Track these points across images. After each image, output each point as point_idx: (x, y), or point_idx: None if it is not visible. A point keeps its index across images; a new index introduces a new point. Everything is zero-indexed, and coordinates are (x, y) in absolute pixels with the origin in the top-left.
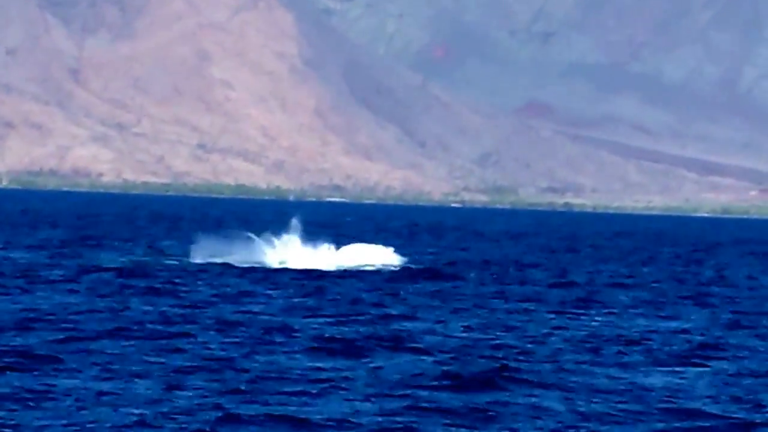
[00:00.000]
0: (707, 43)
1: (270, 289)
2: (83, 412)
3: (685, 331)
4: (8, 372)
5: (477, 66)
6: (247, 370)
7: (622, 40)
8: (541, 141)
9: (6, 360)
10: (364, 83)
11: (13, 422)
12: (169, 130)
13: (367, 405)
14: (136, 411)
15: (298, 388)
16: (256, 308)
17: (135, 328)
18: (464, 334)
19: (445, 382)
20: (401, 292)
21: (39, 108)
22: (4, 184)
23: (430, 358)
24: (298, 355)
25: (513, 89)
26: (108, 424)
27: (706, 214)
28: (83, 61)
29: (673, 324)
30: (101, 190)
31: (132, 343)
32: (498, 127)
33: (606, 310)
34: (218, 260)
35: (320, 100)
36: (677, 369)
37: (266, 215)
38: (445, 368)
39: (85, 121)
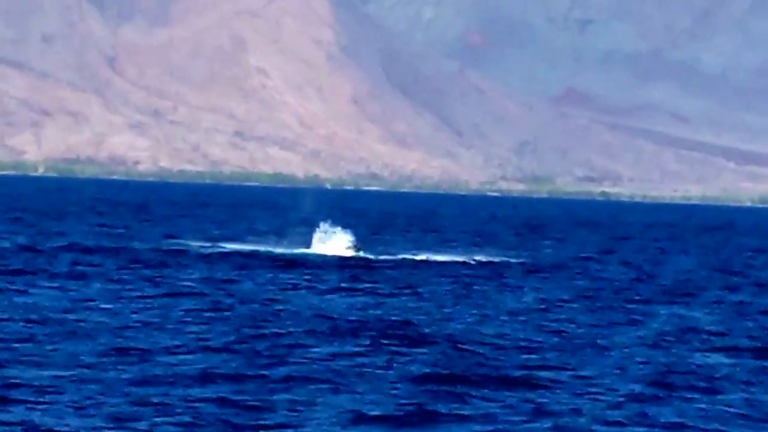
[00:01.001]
0: (746, 31)
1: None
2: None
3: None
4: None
5: (514, 53)
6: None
7: (661, 27)
8: (578, 129)
9: None
10: (401, 71)
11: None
12: (206, 117)
13: None
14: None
15: None
16: None
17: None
18: None
19: None
20: None
21: (75, 95)
22: (41, 171)
23: None
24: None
25: (550, 77)
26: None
27: (749, 204)
28: (119, 48)
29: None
30: (137, 178)
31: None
32: (535, 115)
33: None
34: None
35: (357, 87)
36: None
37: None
38: None
39: (122, 108)
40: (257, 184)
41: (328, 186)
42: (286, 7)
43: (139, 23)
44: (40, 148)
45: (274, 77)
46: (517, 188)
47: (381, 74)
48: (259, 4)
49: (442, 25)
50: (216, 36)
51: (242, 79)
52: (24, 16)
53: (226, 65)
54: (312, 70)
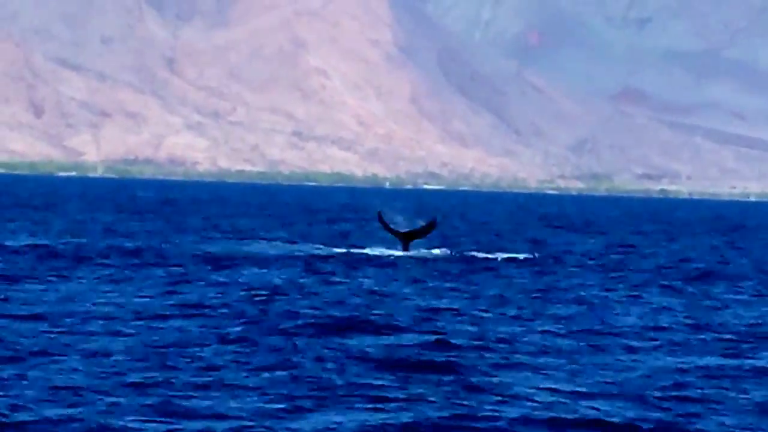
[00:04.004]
0: None
1: None
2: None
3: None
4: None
5: (572, 52)
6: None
7: (718, 26)
8: (636, 127)
9: None
10: (459, 70)
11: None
12: (265, 118)
13: None
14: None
15: None
16: None
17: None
18: None
19: None
20: None
21: (134, 96)
22: (100, 172)
23: None
24: None
25: (608, 76)
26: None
27: None
28: (178, 49)
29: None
30: (196, 179)
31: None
32: (593, 113)
33: None
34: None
35: (415, 87)
36: None
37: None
38: None
39: (181, 109)
40: (316, 183)
41: (388, 185)
42: (345, 7)
43: (198, 25)
44: (99, 149)
45: (333, 77)
46: (576, 186)
47: (439, 74)
48: (317, 5)
49: (500, 24)
50: (275, 37)
51: (301, 79)
52: (83, 18)
53: (285, 66)
54: (371, 70)
